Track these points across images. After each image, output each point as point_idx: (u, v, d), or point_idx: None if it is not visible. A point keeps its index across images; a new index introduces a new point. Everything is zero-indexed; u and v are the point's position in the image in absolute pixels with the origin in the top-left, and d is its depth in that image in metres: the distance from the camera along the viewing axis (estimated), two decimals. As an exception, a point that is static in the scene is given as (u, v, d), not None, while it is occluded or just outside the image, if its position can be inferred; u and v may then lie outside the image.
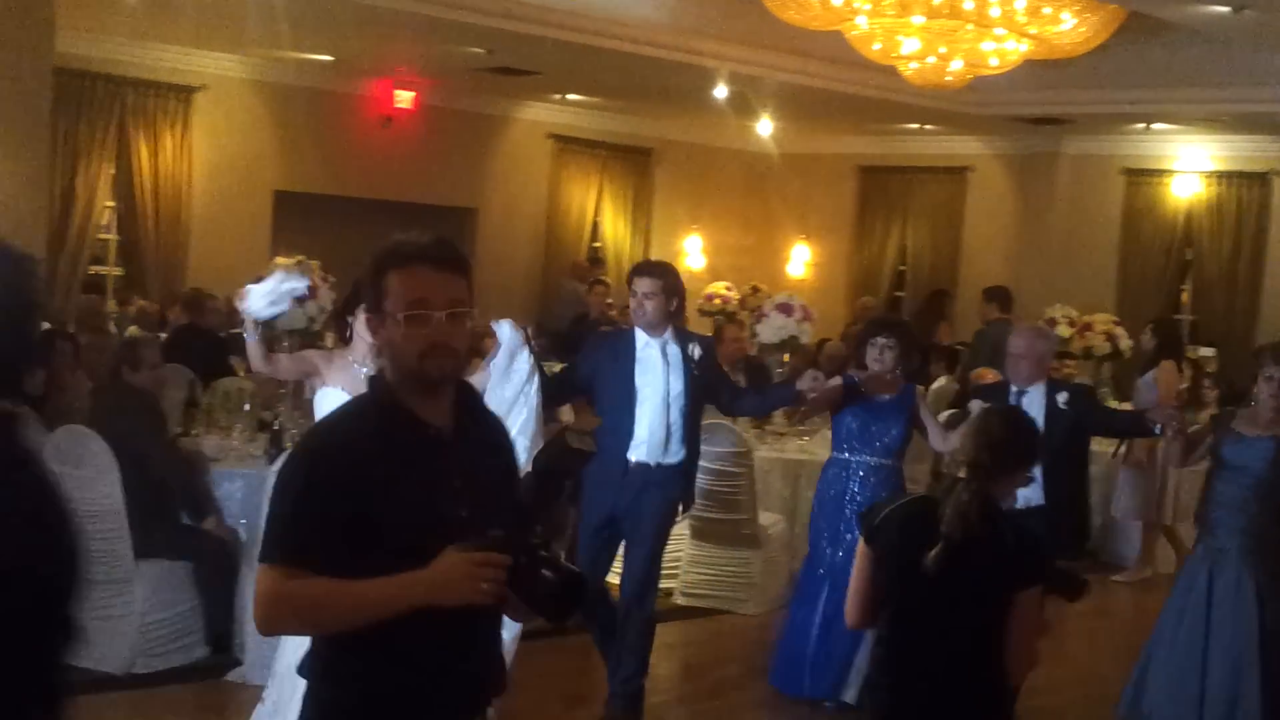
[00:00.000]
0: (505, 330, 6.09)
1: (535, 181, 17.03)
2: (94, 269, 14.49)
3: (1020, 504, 6.69)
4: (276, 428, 7.65)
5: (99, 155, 13.92)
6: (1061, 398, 6.91)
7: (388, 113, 15.57)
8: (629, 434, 6.46)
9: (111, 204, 14.25)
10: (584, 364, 6.80)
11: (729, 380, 7.29)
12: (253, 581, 6.66)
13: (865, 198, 18.11)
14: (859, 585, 4.08)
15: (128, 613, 6.71)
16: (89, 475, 6.60)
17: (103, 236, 14.39)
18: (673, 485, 6.60)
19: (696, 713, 7.13)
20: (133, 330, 11.45)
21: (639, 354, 6.54)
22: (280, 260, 11.65)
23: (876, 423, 7.00)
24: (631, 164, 17.81)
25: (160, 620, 6.79)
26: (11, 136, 9.90)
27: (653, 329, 6.53)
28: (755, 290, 15.40)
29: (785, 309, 10.41)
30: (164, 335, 11.08)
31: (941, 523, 3.83)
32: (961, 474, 3.92)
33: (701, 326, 15.03)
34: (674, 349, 6.55)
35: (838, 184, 18.07)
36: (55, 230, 13.11)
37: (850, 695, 6.81)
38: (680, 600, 8.93)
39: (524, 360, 6.07)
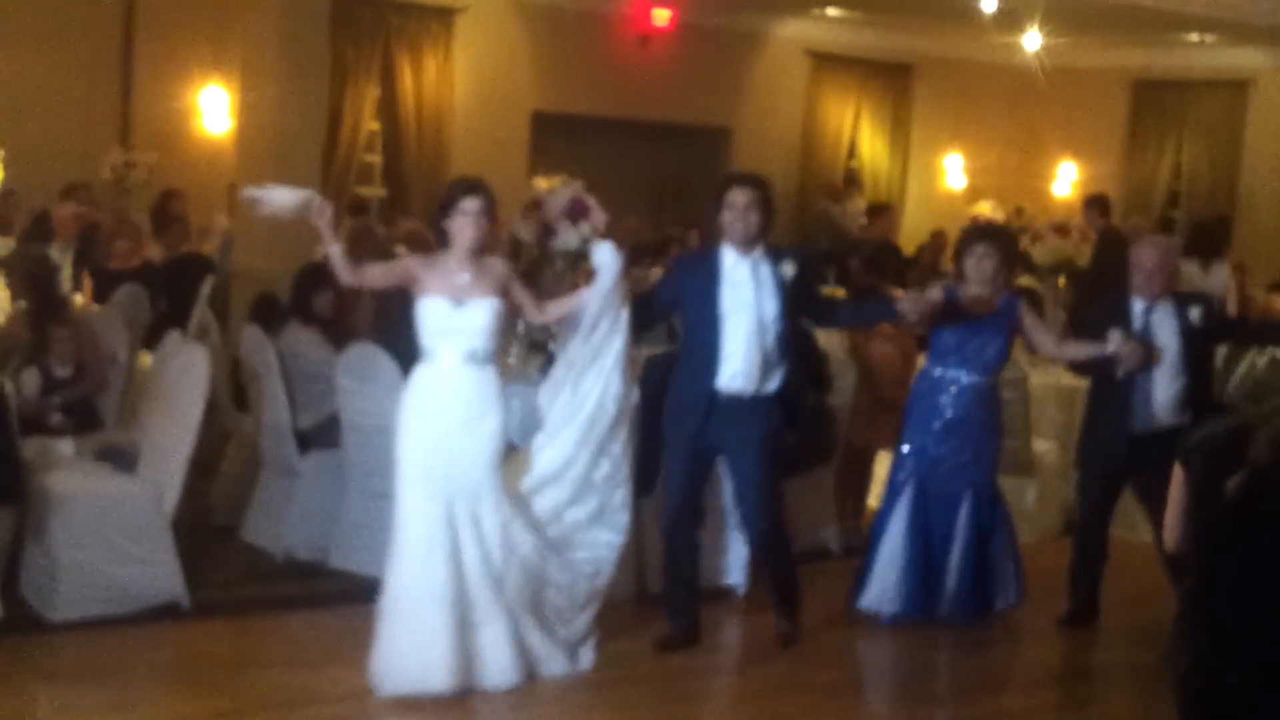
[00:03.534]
0: (606, 254, 5.92)
1: (791, 100, 16.75)
2: (359, 190, 14.81)
3: (1171, 422, 6.52)
4: (551, 349, 7.65)
5: (364, 78, 14.15)
6: (1194, 313, 6.65)
7: (645, 32, 15.48)
8: (715, 360, 6.05)
9: (376, 126, 14.52)
10: (667, 287, 6.37)
11: (824, 294, 6.92)
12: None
13: (1137, 114, 17.29)
14: (1175, 509, 3.91)
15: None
16: (378, 391, 6.72)
17: (367, 159, 14.67)
18: (774, 414, 6.18)
19: (967, 640, 6.90)
20: (401, 250, 11.63)
21: (726, 275, 6.10)
22: (540, 181, 11.73)
23: (974, 338, 6.65)
24: (890, 81, 17.37)
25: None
26: (292, 62, 10.14)
27: (746, 245, 6.10)
28: (1019, 211, 14.95)
29: (1061, 230, 10.02)
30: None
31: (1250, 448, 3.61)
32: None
33: (966, 248, 14.70)
34: (765, 268, 6.11)
35: (1108, 99, 17.29)
36: (324, 153, 13.44)
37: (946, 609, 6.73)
38: (953, 528, 8.70)
39: (620, 288, 5.92)
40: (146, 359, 7.72)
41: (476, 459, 5.70)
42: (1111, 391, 6.69)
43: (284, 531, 7.11)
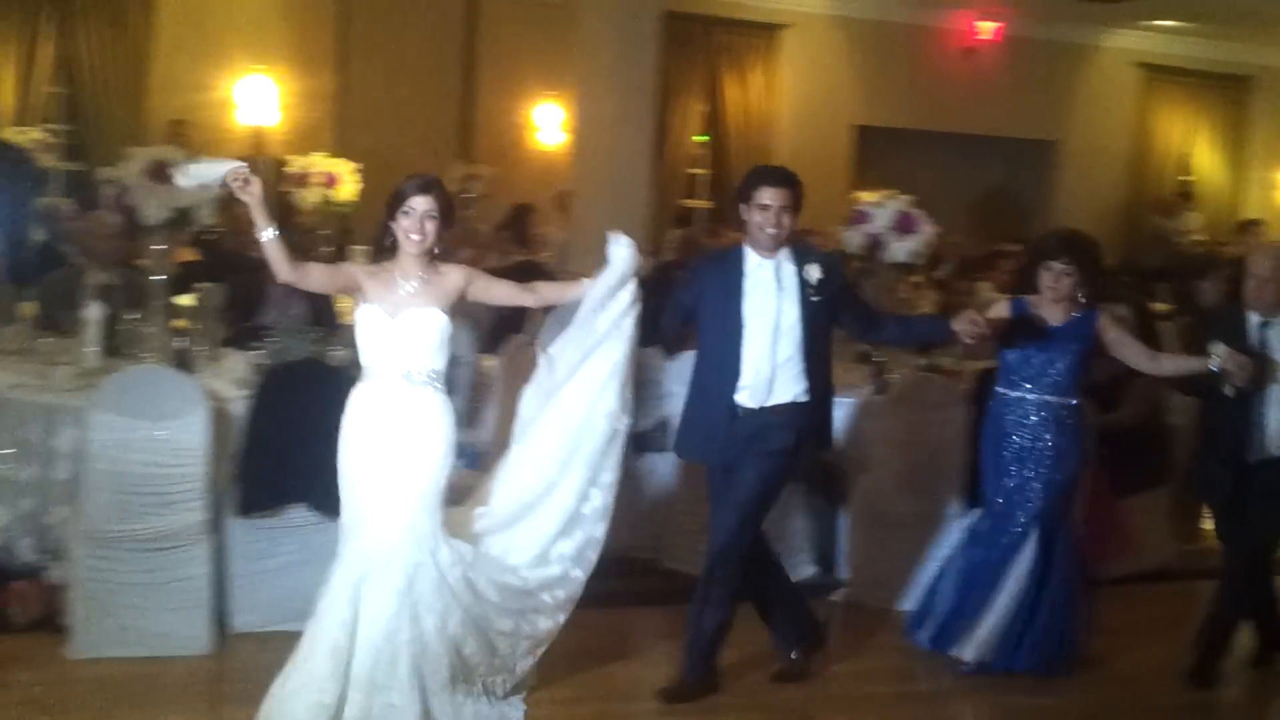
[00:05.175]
0: (622, 248, 5.23)
1: (1121, 113, 16.40)
2: (684, 202, 15.16)
3: None
4: (880, 359, 7.74)
5: (691, 93, 14.53)
6: None
7: (970, 44, 15.40)
8: (735, 372, 5.49)
9: (703, 139, 14.85)
10: (687, 290, 5.69)
11: (864, 304, 5.99)
12: (853, 508, 6.57)
13: None
14: None
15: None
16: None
17: (693, 171, 15.01)
18: (783, 431, 5.52)
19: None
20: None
21: (748, 276, 5.52)
22: (862, 194, 11.77)
23: (1039, 354, 5.95)
24: (1226, 93, 16.86)
25: (773, 538, 7.00)
26: (623, 78, 10.47)
27: (770, 249, 5.51)
28: (1368, 229, 14.27)
29: None
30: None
31: None
32: None
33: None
34: (789, 270, 5.50)
35: None
36: (652, 165, 13.81)
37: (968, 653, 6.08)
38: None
39: (629, 291, 5.24)
40: (489, 361, 8.09)
41: (406, 493, 5.09)
42: (1223, 416, 5.99)
43: (619, 530, 7.33)
